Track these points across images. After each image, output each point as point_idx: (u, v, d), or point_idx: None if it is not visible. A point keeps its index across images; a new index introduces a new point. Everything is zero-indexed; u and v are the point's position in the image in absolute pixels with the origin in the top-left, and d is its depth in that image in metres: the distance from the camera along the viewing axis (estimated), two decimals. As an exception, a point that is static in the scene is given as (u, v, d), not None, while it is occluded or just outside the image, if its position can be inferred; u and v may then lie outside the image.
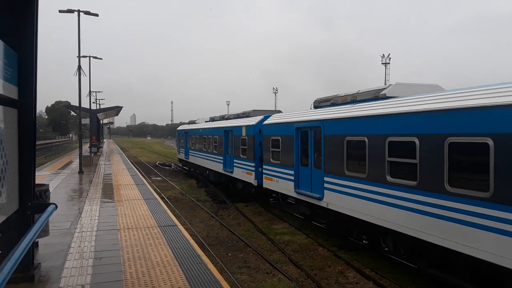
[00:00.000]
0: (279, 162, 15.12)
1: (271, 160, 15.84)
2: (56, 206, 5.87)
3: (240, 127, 19.64)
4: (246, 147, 18.65)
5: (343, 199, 10.95)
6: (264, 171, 16.68)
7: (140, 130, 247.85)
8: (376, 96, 10.66)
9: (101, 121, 63.15)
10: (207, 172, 26.46)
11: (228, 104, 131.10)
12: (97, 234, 9.47)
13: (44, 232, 7.83)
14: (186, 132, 33.67)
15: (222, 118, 25.77)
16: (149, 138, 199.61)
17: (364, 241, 11.12)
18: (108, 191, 16.32)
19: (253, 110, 20.50)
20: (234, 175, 20.43)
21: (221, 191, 23.30)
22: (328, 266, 10.55)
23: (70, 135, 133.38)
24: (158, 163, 43.96)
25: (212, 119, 28.21)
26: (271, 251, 11.95)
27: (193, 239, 9.49)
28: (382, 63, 74.10)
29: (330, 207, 11.67)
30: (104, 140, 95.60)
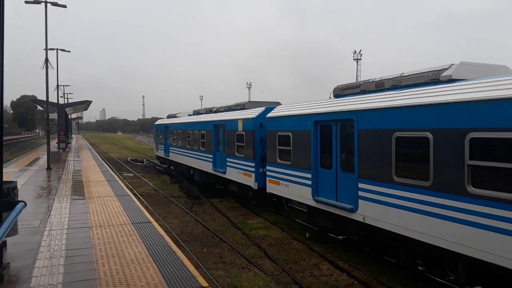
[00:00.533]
0: (289, 163, 12.57)
1: (278, 160, 13.27)
2: (25, 204, 5.67)
3: (235, 120, 16.87)
4: (243, 144, 15.97)
5: (390, 212, 8.51)
6: (268, 173, 14.02)
7: (110, 125, 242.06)
8: (435, 79, 8.40)
9: (70, 116, 61.34)
10: (192, 172, 23.72)
11: (201, 99, 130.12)
12: (68, 232, 9.21)
13: (13, 230, 7.55)
14: (166, 126, 30.35)
15: (209, 111, 22.93)
16: (120, 133, 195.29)
17: (419, 267, 8.68)
18: (78, 188, 15.89)
19: (249, 102, 18.17)
20: (227, 176, 17.71)
21: (195, 186, 23.15)
22: (303, 259, 10.71)
23: (37, 131, 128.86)
24: (130, 159, 43.16)
25: (197, 113, 25.52)
26: (247, 246, 12.01)
27: (168, 235, 9.40)
28: (354, 59, 75.45)
29: (368, 221, 9.17)
30: (73, 135, 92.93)
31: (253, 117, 15.42)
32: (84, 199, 13.49)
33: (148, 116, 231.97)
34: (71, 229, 9.49)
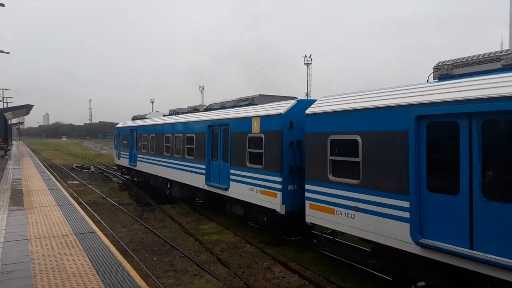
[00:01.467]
0: (356, 182, 8.38)
1: (331, 177, 9.09)
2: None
3: (246, 119, 12.67)
4: (261, 151, 11.80)
5: None
6: (309, 194, 9.81)
7: (55, 131, 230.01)
8: None
9: (9, 121, 57.60)
10: (169, 185, 19.49)
11: (152, 102, 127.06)
12: (4, 246, 8.56)
13: None
14: (132, 130, 25.10)
15: (195, 110, 18.68)
16: (65, 139, 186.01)
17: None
18: (18, 198, 14.86)
19: (260, 95, 13.92)
20: (230, 193, 13.39)
21: (145, 192, 22.46)
22: (255, 262, 10.68)
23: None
24: (75, 166, 41.18)
25: (175, 113, 20.92)
26: (199, 252, 11.78)
27: (114, 245, 9.01)
28: (305, 63, 77.24)
29: None
30: (13, 142, 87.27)
31: (280, 113, 11.12)
32: (23, 209, 12.64)
33: (95, 120, 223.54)
34: (8, 242, 8.84)
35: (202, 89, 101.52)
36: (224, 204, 14.54)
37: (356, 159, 8.38)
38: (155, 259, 11.12)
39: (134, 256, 10.91)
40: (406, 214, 7.26)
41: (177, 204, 18.77)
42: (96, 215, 16.06)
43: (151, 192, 22.14)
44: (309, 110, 9.90)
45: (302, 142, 10.68)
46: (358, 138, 8.35)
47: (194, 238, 13.17)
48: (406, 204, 7.29)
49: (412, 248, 7.14)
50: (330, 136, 9.13)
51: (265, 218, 12.14)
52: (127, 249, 11.52)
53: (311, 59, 76.84)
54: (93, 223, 10.76)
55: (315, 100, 10.27)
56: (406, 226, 7.23)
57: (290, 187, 11.02)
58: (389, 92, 8.04)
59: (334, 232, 10.03)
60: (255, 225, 13.83)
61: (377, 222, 7.91)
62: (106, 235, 10.77)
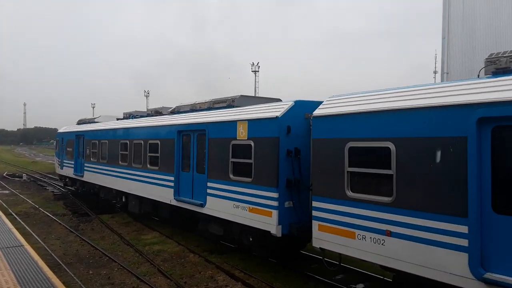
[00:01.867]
0: (388, 199, 6.74)
1: (349, 192, 7.42)
2: None
3: (228, 123, 10.78)
4: (250, 161, 9.90)
5: None
6: (317, 213, 8.08)
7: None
8: None
9: None
10: (124, 199, 17.19)
11: (93, 107, 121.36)
12: None
13: None
14: (78, 135, 21.96)
15: (158, 113, 16.32)
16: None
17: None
18: None
19: (241, 96, 12.09)
20: (207, 210, 11.38)
21: (82, 201, 21.30)
22: (198, 272, 10.48)
23: None
24: (6, 174, 38.25)
25: (132, 116, 18.45)
26: (139, 263, 11.35)
27: (46, 259, 8.44)
28: (252, 71, 78.09)
29: None
30: None
31: (277, 117, 9.30)
32: None
33: (30, 125, 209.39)
34: None
35: (147, 94, 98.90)
36: (196, 222, 12.57)
37: (387, 172, 6.77)
38: (90, 272, 10.54)
39: (68, 270, 10.27)
40: (464, 242, 5.74)
41: (117, 214, 18.01)
42: (27, 227, 14.97)
43: (89, 202, 21.04)
44: (319, 112, 8.21)
45: (300, 151, 9.30)
46: (391, 146, 6.75)
47: (134, 249, 12.68)
48: (463, 229, 5.75)
49: (472, 285, 5.67)
50: (348, 143, 7.46)
51: (251, 239, 10.44)
52: (60, 263, 10.82)
53: (259, 66, 77.80)
54: (21, 236, 10.00)
55: (315, 102, 8.98)
56: (463, 256, 5.73)
57: (287, 203, 9.24)
58: (437, 88, 6.42)
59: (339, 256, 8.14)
60: (232, 245, 12.26)
61: (418, 251, 6.28)
62: (36, 248, 10.10)
